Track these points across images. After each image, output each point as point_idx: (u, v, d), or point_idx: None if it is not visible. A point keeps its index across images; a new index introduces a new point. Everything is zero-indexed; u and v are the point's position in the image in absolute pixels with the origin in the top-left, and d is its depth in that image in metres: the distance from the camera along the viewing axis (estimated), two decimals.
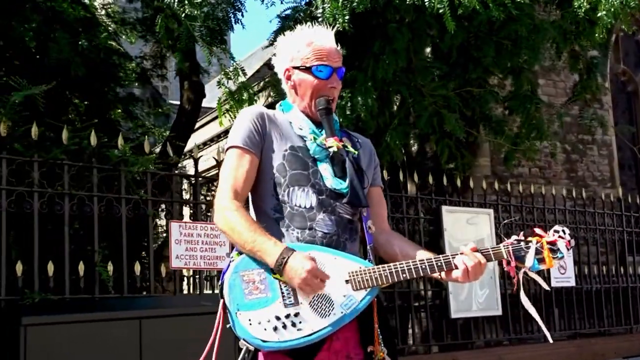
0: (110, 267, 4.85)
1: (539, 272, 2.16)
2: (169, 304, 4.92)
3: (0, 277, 4.38)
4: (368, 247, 2.22)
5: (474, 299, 7.10)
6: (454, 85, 7.07)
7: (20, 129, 4.80)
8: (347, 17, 5.75)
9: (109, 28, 9.74)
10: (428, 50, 7.61)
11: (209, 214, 6.70)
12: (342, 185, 2.21)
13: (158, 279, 5.58)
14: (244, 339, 2.05)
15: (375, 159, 2.45)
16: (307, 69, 2.26)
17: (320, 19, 6.31)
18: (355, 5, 5.79)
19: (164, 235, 6.36)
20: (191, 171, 5.97)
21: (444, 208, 7.05)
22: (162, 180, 5.52)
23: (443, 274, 2.14)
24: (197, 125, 12.35)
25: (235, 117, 6.58)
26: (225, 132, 12.63)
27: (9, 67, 7.03)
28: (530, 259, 2.08)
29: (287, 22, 6.43)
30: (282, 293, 2.06)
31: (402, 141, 7.02)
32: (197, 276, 5.60)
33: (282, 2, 6.95)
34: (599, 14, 5.94)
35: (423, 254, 2.21)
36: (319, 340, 2.05)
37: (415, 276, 2.12)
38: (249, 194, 2.27)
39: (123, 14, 10.28)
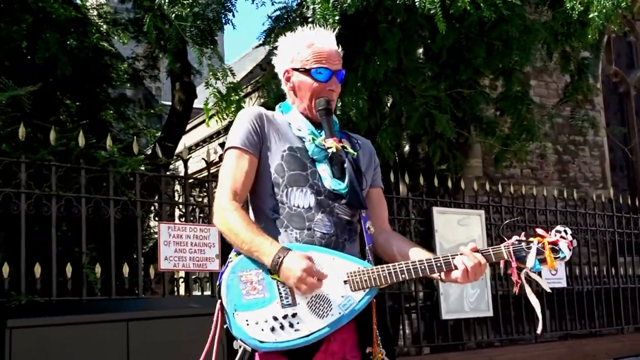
0: (98, 269, 4.82)
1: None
2: (157, 306, 4.89)
3: None
4: (367, 247, 2.22)
5: (465, 300, 7.09)
6: (444, 86, 7.07)
7: (7, 130, 4.77)
8: (337, 18, 5.75)
9: (101, 29, 9.71)
10: (420, 51, 7.61)
11: (201, 215, 6.68)
12: (340, 186, 2.21)
13: (148, 281, 5.56)
14: (240, 340, 2.04)
15: (375, 160, 2.45)
16: (307, 71, 2.27)
17: (310, 20, 6.31)
18: (347, 7, 5.78)
19: (156, 237, 6.34)
20: (182, 173, 5.95)
21: (435, 209, 7.04)
22: (151, 182, 5.49)
23: (443, 275, 2.13)
24: (190, 126, 12.34)
25: (223, 118, 6.57)
26: (217, 134, 12.61)
27: None
28: (531, 260, 2.06)
29: (277, 23, 6.42)
30: (280, 293, 2.06)
31: (394, 142, 7.01)
32: (183, 278, 5.56)
33: (273, 4, 6.93)
34: (591, 15, 5.93)
35: (422, 254, 2.20)
36: (317, 341, 2.04)
37: (414, 276, 2.12)
38: (248, 195, 2.27)
39: (115, 15, 10.26)
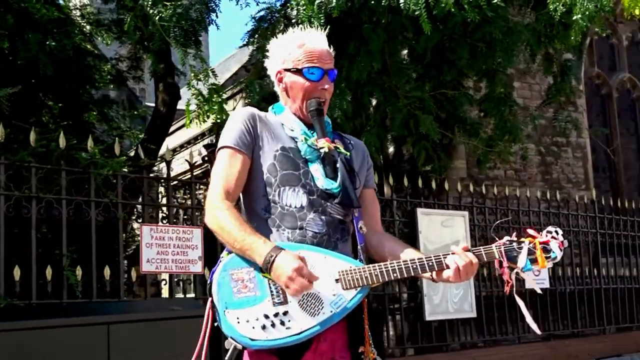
0: (79, 272, 4.77)
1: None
2: (138, 309, 4.86)
3: None
4: (359, 247, 2.22)
5: (449, 301, 7.11)
6: (428, 87, 7.09)
7: None
8: (322, 21, 5.75)
9: (84, 29, 9.64)
10: (404, 52, 7.62)
11: (185, 217, 6.64)
12: (333, 185, 2.22)
13: (130, 284, 5.52)
14: (231, 337, 2.04)
15: (368, 161, 2.46)
16: (298, 71, 2.27)
17: (295, 21, 6.30)
18: (332, 9, 5.77)
19: (139, 239, 6.30)
20: (165, 174, 5.91)
21: (419, 210, 7.05)
22: (133, 184, 5.45)
23: (434, 274, 2.14)
24: (174, 128, 12.27)
25: (204, 120, 6.55)
26: (202, 135, 12.55)
27: None
28: (522, 260, 2.06)
29: (261, 24, 6.41)
30: (271, 292, 2.06)
31: (378, 143, 7.02)
32: (166, 280, 5.52)
33: (257, 4, 6.93)
34: (574, 17, 5.97)
35: (414, 255, 2.20)
36: (307, 340, 2.04)
37: (406, 275, 2.12)
38: (240, 195, 2.28)
39: (98, 15, 10.19)
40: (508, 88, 7.86)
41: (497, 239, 2.13)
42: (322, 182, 2.22)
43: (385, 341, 6.97)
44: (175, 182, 6.38)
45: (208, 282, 2.15)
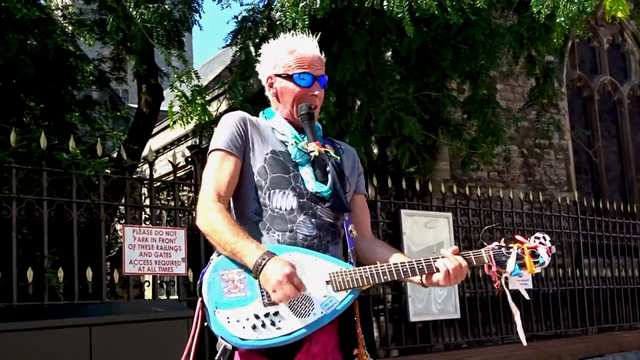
0: (60, 273, 4.72)
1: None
2: (121, 311, 4.81)
3: None
4: (349, 250, 2.23)
5: (433, 302, 7.12)
6: (412, 89, 7.11)
7: None
8: (307, 22, 5.74)
9: (66, 30, 9.56)
10: (388, 54, 7.64)
11: (168, 218, 6.60)
12: (323, 189, 2.23)
13: (112, 285, 5.47)
14: (221, 337, 2.04)
15: (358, 167, 2.47)
16: (289, 77, 2.29)
17: (279, 23, 6.29)
18: (317, 10, 5.77)
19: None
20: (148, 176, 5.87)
21: (403, 212, 7.07)
22: (116, 184, 5.41)
23: (424, 279, 2.16)
24: (157, 129, 12.21)
25: (187, 122, 6.52)
26: (185, 137, 12.49)
27: None
28: (511, 264, 2.10)
29: (244, 24, 6.38)
30: (262, 292, 2.05)
31: (362, 145, 7.02)
32: (149, 282, 5.48)
33: (241, 4, 6.90)
34: (557, 20, 6.01)
35: (403, 259, 2.22)
36: (298, 341, 2.04)
37: (396, 278, 2.13)
38: (231, 199, 2.28)
39: (80, 16, 10.10)
40: (491, 90, 7.90)
41: (485, 243, 2.17)
42: (312, 185, 2.23)
43: None
44: (158, 184, 6.34)
45: (198, 282, 2.15)
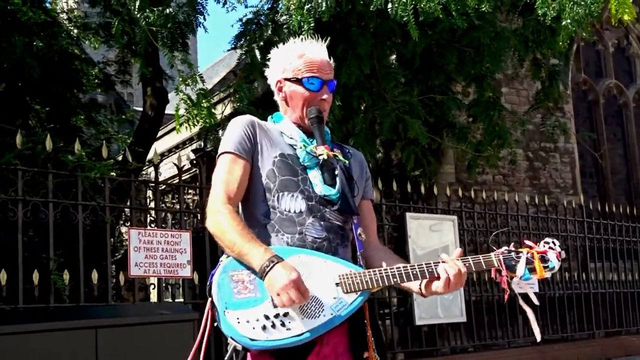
0: (66, 276, 4.72)
1: None
2: (126, 313, 4.79)
3: None
4: (358, 253, 2.23)
5: (439, 305, 7.10)
6: (417, 92, 7.10)
7: None
8: (312, 25, 5.74)
9: (72, 33, 9.59)
10: (393, 57, 7.63)
11: (173, 221, 6.59)
12: (331, 192, 2.22)
13: (118, 288, 5.47)
14: (231, 337, 2.03)
15: (366, 172, 2.47)
16: (298, 81, 2.29)
17: (284, 26, 6.29)
18: (322, 13, 5.77)
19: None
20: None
21: (408, 215, 7.05)
22: (121, 187, 5.41)
23: (423, 290, 2.15)
24: (162, 132, 12.22)
25: (194, 125, 6.53)
26: (190, 140, 12.50)
27: None
28: (521, 269, 2.09)
29: (248, 26, 6.39)
30: None
31: (367, 147, 7.01)
32: (154, 285, 5.48)
33: (246, 7, 6.90)
34: (563, 22, 6.00)
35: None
36: (309, 343, 2.03)
37: (405, 281, 2.12)
38: (239, 202, 2.27)
39: (85, 19, 10.14)
40: (496, 93, 7.88)
41: (494, 247, 2.16)
42: (320, 188, 2.22)
43: None
44: (163, 186, 6.34)
45: (208, 283, 2.14)
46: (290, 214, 2.19)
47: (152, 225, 5.54)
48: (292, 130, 2.31)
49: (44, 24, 7.90)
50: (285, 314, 2.02)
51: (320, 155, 2.25)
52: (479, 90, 7.59)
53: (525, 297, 2.17)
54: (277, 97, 2.39)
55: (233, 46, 6.81)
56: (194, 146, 12.35)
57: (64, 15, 10.19)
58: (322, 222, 2.20)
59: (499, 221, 8.01)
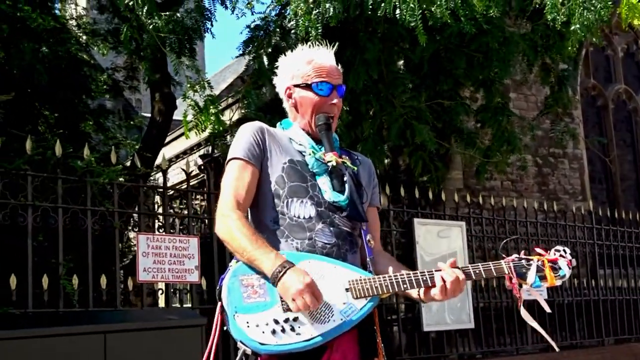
0: (75, 281, 4.73)
1: None
2: (135, 318, 4.81)
3: None
4: (368, 259, 2.23)
5: (447, 311, 7.07)
6: (425, 97, 7.09)
7: None
8: (320, 31, 5.75)
9: (80, 39, 9.65)
10: (401, 62, 7.63)
11: (181, 227, 6.60)
12: (340, 198, 2.23)
13: (126, 293, 5.48)
14: (240, 341, 2.03)
15: (374, 179, 2.48)
16: (308, 86, 2.31)
17: (291, 31, 6.30)
18: (329, 19, 5.78)
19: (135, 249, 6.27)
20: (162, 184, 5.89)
21: (416, 220, 7.03)
22: (129, 192, 5.42)
23: (422, 295, 2.16)
24: (170, 138, 12.26)
25: (202, 131, 6.54)
26: (198, 146, 12.53)
27: None
28: (531, 276, 2.10)
29: (256, 33, 6.41)
30: (281, 298, 2.05)
31: (375, 153, 7.00)
32: (162, 290, 5.48)
33: (252, 14, 6.93)
34: (573, 27, 5.99)
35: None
36: (319, 349, 2.04)
37: (415, 287, 2.13)
38: (248, 208, 2.28)
39: (94, 25, 10.20)
40: (505, 98, 7.87)
41: (504, 255, 2.16)
42: (329, 194, 2.23)
43: None
44: (171, 192, 6.35)
45: (217, 287, 2.15)
46: (299, 220, 2.20)
47: (160, 231, 5.55)
48: (301, 136, 2.32)
49: (53, 31, 7.95)
50: (295, 319, 2.02)
51: (329, 162, 2.26)
52: (487, 96, 7.57)
53: (530, 308, 2.17)
54: (286, 104, 2.40)
55: (241, 52, 6.82)
56: (201, 152, 12.38)
57: (73, 22, 10.26)
58: (331, 228, 2.21)
59: (508, 227, 7.98)
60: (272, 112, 6.00)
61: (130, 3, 5.76)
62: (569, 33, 6.18)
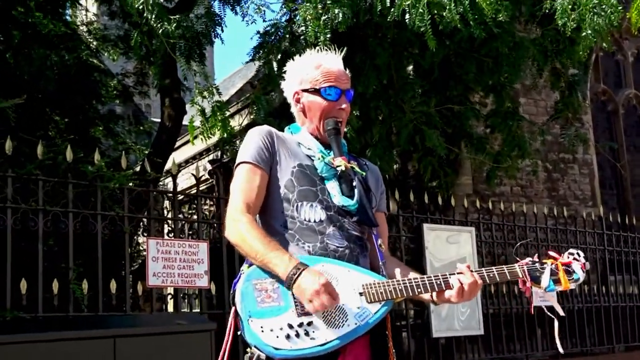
0: (85, 285, 4.75)
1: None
2: (144, 323, 4.81)
3: None
4: (380, 263, 2.23)
5: (456, 318, 7.04)
6: (435, 102, 7.08)
7: None
8: (328, 36, 5.76)
9: (91, 45, 9.71)
10: (410, 67, 7.63)
11: (190, 232, 6.61)
12: (350, 203, 2.23)
13: (136, 298, 5.49)
14: (255, 346, 2.03)
15: (382, 185, 2.48)
16: (316, 91, 2.30)
17: (302, 37, 6.31)
18: (339, 24, 5.79)
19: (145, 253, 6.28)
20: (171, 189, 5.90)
21: (426, 226, 7.01)
22: (139, 197, 5.44)
23: (435, 297, 2.15)
24: (179, 143, 12.29)
25: (208, 137, 6.56)
26: (207, 151, 12.56)
27: None
28: (545, 280, 2.09)
29: (266, 39, 6.42)
30: (295, 302, 2.05)
31: (384, 158, 6.99)
32: (172, 295, 5.49)
33: (264, 20, 6.95)
34: (584, 33, 5.97)
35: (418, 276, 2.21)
36: (331, 353, 2.03)
37: (429, 291, 2.13)
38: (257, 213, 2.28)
39: (105, 31, 10.26)
40: (515, 103, 7.85)
41: (518, 258, 2.15)
42: (338, 199, 2.23)
43: None
44: (181, 197, 6.36)
45: (231, 291, 2.15)
46: (310, 224, 2.19)
47: (170, 235, 5.56)
48: (310, 141, 2.32)
49: (64, 36, 8.01)
50: (309, 323, 2.02)
51: (338, 166, 2.25)
52: (497, 101, 7.55)
53: (550, 308, 2.16)
54: (294, 109, 2.40)
55: (251, 58, 6.84)
56: (211, 157, 12.40)
57: (84, 28, 10.32)
58: (341, 232, 2.21)
59: (517, 233, 7.94)
60: (282, 117, 6.01)
61: (141, 7, 5.78)
62: (579, 38, 6.16)
